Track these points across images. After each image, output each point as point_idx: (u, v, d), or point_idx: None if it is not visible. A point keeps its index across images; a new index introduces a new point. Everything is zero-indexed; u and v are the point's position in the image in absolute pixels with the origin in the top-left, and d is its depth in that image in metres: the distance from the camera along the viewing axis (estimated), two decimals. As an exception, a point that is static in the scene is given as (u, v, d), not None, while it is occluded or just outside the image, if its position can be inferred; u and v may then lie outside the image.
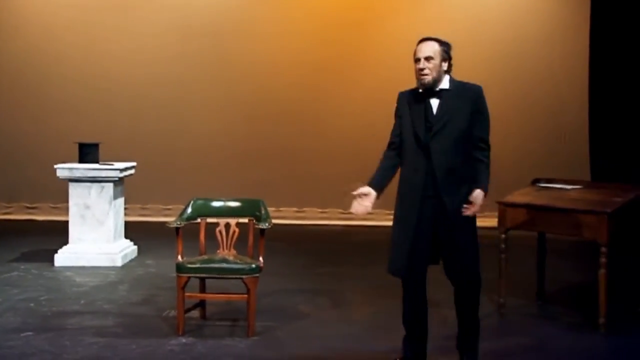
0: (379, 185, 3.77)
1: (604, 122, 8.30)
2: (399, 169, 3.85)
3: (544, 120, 8.66)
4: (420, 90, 3.75)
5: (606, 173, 8.04)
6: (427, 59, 3.69)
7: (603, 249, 4.53)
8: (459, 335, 3.89)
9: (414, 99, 3.77)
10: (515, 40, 8.64)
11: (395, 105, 3.87)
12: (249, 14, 8.76)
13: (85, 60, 8.70)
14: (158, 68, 8.70)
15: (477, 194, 3.65)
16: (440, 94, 3.72)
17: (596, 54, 8.35)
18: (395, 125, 3.86)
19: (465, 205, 3.62)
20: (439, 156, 3.67)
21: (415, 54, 3.75)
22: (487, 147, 3.77)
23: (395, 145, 3.83)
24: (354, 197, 3.69)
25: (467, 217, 3.67)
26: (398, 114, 3.84)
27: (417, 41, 3.80)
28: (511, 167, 8.48)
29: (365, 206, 3.69)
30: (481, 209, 3.65)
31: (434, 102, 3.73)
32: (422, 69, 3.69)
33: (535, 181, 5.51)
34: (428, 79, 3.69)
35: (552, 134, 8.66)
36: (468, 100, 3.72)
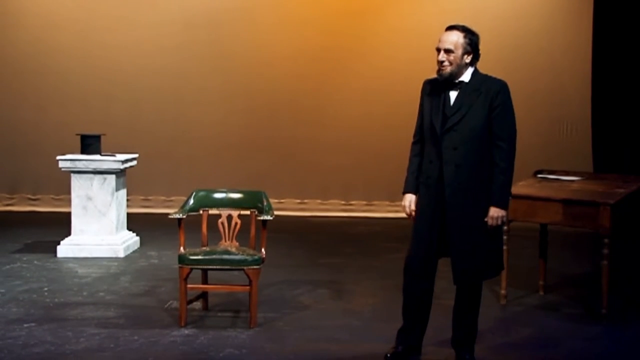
0: (414, 188, 3.77)
1: (607, 113, 8.28)
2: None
3: (546, 111, 8.64)
4: (440, 80, 3.64)
5: (608, 164, 8.03)
6: (447, 51, 3.56)
7: (605, 240, 4.52)
8: (456, 333, 3.82)
9: (435, 89, 3.67)
10: (517, 31, 8.60)
11: (420, 93, 3.78)
12: (248, 4, 8.72)
13: (86, 50, 8.67)
14: (159, 58, 8.68)
15: (491, 212, 3.58)
16: (459, 87, 3.61)
17: (599, 45, 8.31)
18: (418, 116, 3.78)
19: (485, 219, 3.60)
20: (450, 151, 3.57)
21: (437, 42, 3.61)
22: (508, 147, 3.57)
23: (418, 138, 3.77)
24: (407, 213, 3.78)
25: (472, 219, 3.59)
26: (421, 103, 3.76)
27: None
28: (513, 159, 8.48)
29: (413, 211, 3.77)
30: (500, 220, 3.60)
31: (452, 94, 3.62)
32: (441, 62, 3.58)
33: (537, 172, 5.50)
34: (446, 71, 3.58)
35: (554, 125, 8.64)
36: (487, 95, 3.57)
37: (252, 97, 8.75)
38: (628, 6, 8.04)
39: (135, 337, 4.23)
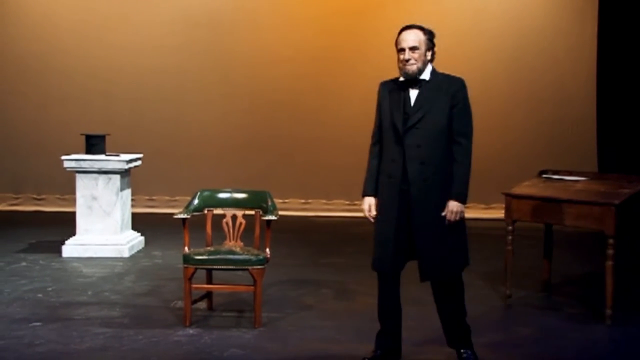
0: (374, 191, 3.80)
1: (612, 112, 8.26)
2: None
3: (550, 111, 8.62)
4: (401, 79, 3.68)
5: (613, 164, 8.01)
6: (412, 49, 3.60)
7: (610, 241, 4.51)
8: (448, 333, 3.81)
9: (393, 89, 3.71)
10: (520, 30, 8.59)
11: (377, 96, 3.81)
12: (249, 4, 8.74)
13: (88, 50, 8.70)
14: (161, 58, 8.70)
15: (450, 206, 3.60)
16: (419, 85, 3.64)
17: (604, 44, 8.29)
18: (376, 117, 3.82)
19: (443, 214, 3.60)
20: (413, 149, 3.60)
21: (398, 43, 3.65)
22: (467, 142, 3.64)
23: (376, 139, 3.82)
24: (367, 216, 3.81)
25: (437, 216, 3.60)
26: (379, 105, 3.80)
27: (400, 29, 3.67)
28: (517, 159, 8.47)
29: (374, 215, 3.81)
30: (459, 215, 3.61)
31: (413, 93, 3.66)
32: (407, 60, 3.60)
33: (542, 173, 5.49)
34: (413, 68, 3.61)
35: (558, 125, 8.63)
36: (447, 93, 3.63)
37: (254, 97, 8.76)
38: (633, 5, 8.02)
39: (140, 337, 4.24)
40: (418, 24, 3.71)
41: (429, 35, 3.67)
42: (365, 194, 3.83)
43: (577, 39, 8.53)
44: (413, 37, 3.63)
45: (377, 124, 3.81)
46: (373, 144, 3.85)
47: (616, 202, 4.49)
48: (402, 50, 3.62)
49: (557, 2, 8.67)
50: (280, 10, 8.72)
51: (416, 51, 3.61)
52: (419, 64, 3.62)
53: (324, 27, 8.65)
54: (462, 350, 3.79)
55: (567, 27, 8.57)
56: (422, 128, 3.60)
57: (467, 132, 3.65)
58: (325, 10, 8.67)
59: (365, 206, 3.82)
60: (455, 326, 3.78)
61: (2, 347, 4.04)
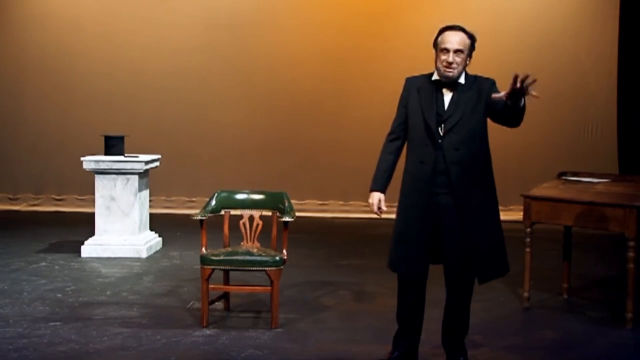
0: (384, 187, 3.73)
1: (633, 114, 8.16)
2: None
3: (570, 112, 8.55)
4: (434, 78, 3.58)
5: (635, 166, 7.92)
6: (457, 52, 3.47)
7: (631, 243, 4.46)
8: (447, 333, 3.77)
9: (424, 87, 3.60)
10: (541, 30, 8.53)
11: (402, 91, 3.69)
12: (269, 6, 8.76)
13: (110, 52, 8.78)
14: (181, 60, 8.75)
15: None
16: (454, 88, 3.54)
17: (626, 44, 8.20)
18: (398, 113, 3.70)
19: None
20: (452, 152, 3.51)
21: (442, 43, 3.50)
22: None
23: (396, 136, 3.71)
24: (376, 212, 3.76)
25: (485, 216, 3.56)
26: (403, 102, 3.67)
27: (436, 30, 3.52)
28: (536, 160, 8.40)
29: (383, 211, 3.78)
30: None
31: (447, 95, 3.56)
32: (450, 63, 3.47)
33: (561, 174, 5.44)
34: (454, 73, 3.50)
35: (578, 126, 8.55)
36: (480, 92, 3.52)
37: (273, 98, 8.78)
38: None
39: (158, 337, 4.26)
40: (460, 25, 3.55)
41: (472, 40, 3.54)
42: (374, 189, 3.73)
43: (599, 40, 8.44)
44: (459, 40, 3.49)
45: (399, 120, 3.70)
46: (390, 140, 3.73)
47: (638, 204, 4.43)
48: (446, 51, 3.48)
49: (578, 3, 8.59)
50: (300, 12, 8.73)
51: (460, 55, 3.48)
52: (460, 69, 3.50)
53: (344, 29, 8.64)
54: (457, 355, 3.76)
55: (589, 28, 8.49)
56: (458, 132, 3.51)
57: None
58: (346, 12, 8.66)
59: (375, 200, 3.72)
60: (460, 330, 3.75)
61: (23, 345, 4.09)
